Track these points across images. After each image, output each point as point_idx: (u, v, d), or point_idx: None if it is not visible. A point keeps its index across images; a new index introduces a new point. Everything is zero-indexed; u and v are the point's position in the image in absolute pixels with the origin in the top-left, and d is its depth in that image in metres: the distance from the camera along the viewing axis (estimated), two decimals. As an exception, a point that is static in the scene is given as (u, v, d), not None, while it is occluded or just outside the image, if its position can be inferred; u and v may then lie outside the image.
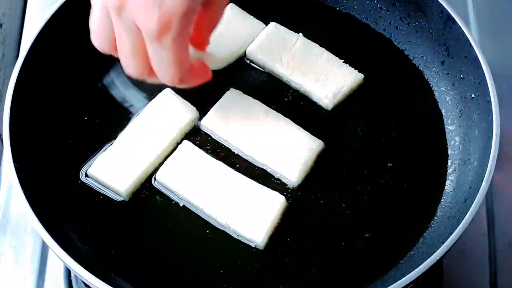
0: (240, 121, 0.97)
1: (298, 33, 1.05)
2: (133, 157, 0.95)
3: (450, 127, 1.00)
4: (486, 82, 0.93)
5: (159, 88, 0.98)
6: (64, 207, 0.92)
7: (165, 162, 0.95)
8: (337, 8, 1.10)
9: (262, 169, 0.96)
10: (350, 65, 1.02)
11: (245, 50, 1.04)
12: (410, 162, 0.97)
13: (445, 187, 0.95)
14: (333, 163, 0.97)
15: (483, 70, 0.94)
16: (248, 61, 1.04)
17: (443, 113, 1.01)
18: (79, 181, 0.94)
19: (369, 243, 0.92)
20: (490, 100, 0.92)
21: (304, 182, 0.95)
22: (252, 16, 1.06)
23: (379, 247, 0.91)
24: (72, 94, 1.00)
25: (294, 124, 0.97)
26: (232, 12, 1.06)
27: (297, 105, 1.01)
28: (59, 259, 0.83)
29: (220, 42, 1.03)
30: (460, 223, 0.84)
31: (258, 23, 1.06)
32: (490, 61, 0.95)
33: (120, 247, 0.91)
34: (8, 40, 1.23)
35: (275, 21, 1.06)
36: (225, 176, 0.93)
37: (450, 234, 0.84)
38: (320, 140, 0.97)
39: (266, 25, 1.06)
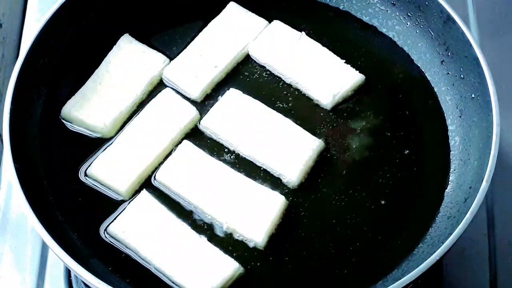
0: (240, 121, 0.97)
1: (301, 32, 1.05)
2: (133, 157, 0.95)
3: (450, 127, 1.00)
4: (486, 82, 0.93)
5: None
6: (64, 207, 0.92)
7: (165, 162, 0.95)
8: (337, 8, 1.10)
9: (262, 169, 0.96)
10: (350, 65, 1.02)
11: (247, 47, 1.04)
12: (410, 162, 0.97)
13: (445, 187, 0.95)
14: (333, 163, 0.97)
15: (483, 70, 0.94)
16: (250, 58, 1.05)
17: (443, 113, 1.01)
18: (79, 181, 0.95)
19: (369, 243, 0.91)
20: (490, 100, 0.92)
21: (304, 182, 0.95)
22: (254, 14, 1.06)
23: (379, 247, 0.91)
24: (72, 94, 1.00)
25: (294, 124, 0.97)
26: (234, 10, 1.06)
27: (297, 105, 1.01)
28: (59, 259, 0.83)
29: (223, 40, 1.04)
30: (460, 223, 0.84)
31: (261, 21, 1.06)
32: (490, 61, 0.95)
33: (120, 247, 0.91)
34: (8, 40, 1.23)
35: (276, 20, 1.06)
36: (225, 176, 0.93)
37: (450, 234, 0.84)
38: (320, 140, 0.97)
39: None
